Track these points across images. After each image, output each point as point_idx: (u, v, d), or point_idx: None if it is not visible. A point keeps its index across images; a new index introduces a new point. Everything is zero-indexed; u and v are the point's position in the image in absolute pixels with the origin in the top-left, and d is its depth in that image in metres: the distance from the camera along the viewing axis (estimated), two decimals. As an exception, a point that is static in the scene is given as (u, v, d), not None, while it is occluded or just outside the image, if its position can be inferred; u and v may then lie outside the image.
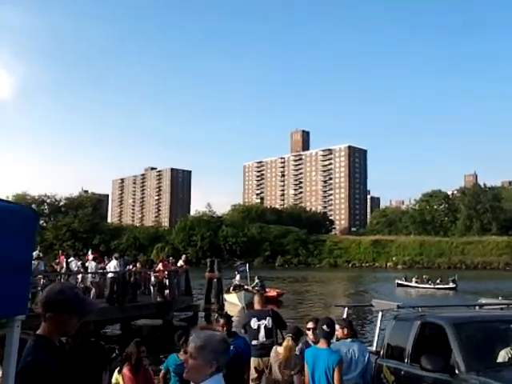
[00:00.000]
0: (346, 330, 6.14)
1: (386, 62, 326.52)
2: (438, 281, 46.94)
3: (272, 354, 6.31)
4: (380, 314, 7.64)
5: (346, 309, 9.17)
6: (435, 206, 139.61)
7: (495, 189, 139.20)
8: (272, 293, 30.52)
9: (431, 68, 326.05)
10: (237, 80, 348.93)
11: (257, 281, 32.78)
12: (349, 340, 6.07)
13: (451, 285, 44.74)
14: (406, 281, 49.01)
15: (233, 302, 27.70)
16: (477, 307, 7.84)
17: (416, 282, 47.98)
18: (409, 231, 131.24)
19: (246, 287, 30.32)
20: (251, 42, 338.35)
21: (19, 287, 1.89)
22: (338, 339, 6.14)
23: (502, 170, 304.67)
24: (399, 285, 47.99)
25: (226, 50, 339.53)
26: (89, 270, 18.81)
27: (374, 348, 7.25)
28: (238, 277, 32.92)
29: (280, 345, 6.46)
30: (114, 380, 6.07)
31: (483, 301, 10.22)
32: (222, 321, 6.40)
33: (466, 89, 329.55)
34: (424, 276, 49.96)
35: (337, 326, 5.92)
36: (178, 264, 22.99)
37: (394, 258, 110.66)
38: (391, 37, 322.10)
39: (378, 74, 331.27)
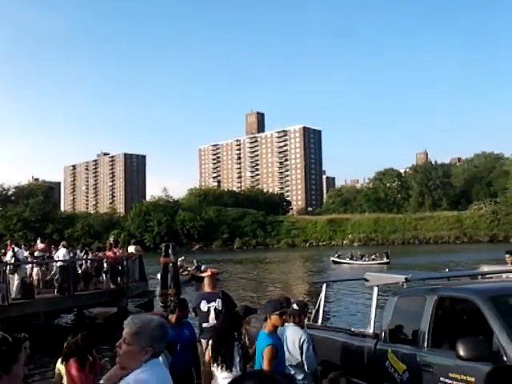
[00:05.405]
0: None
1: (333, 40, 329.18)
2: (373, 256, 48.83)
3: None
4: (375, 289, 6.66)
5: (325, 285, 8.21)
6: (388, 184, 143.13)
7: (445, 166, 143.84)
8: (207, 273, 30.94)
9: (384, 48, 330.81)
10: (190, 64, 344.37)
11: (196, 263, 35.90)
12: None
13: (384, 259, 46.60)
14: (339, 258, 50.87)
15: None
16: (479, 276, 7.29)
17: (350, 259, 49.97)
18: (363, 209, 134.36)
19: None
20: (204, 28, 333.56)
21: None
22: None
23: (451, 147, 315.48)
24: (334, 262, 49.56)
25: (176, 34, 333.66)
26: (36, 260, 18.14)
27: (371, 330, 6.37)
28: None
29: None
30: (56, 370, 5.87)
31: (485, 269, 9.78)
32: (175, 316, 6.07)
33: (415, 66, 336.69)
34: (359, 253, 52.46)
35: None
36: (129, 250, 22.50)
37: (349, 236, 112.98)
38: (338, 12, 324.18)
39: (328, 52, 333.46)
